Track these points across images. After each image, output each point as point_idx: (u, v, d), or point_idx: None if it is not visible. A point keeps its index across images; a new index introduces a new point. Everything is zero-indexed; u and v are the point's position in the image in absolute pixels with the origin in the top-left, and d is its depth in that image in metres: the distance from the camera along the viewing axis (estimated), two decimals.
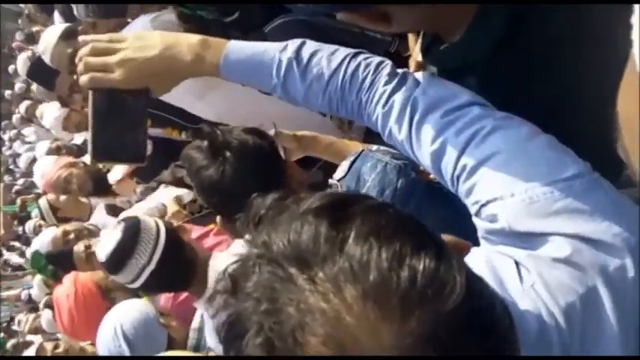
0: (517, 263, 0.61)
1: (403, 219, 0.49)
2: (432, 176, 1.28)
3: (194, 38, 0.86)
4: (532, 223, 0.62)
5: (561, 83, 0.76)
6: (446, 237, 0.52)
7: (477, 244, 0.68)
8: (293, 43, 0.84)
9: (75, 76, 2.41)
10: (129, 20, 2.03)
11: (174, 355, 1.39)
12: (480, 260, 0.62)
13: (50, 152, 4.30)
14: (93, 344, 2.20)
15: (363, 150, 1.21)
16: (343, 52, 0.83)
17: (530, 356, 0.55)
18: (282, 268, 0.45)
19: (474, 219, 0.69)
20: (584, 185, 0.63)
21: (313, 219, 0.47)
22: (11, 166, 10.66)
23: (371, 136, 1.74)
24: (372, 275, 0.43)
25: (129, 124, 0.89)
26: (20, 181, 9.27)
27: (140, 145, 0.90)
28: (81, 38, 0.90)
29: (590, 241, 0.59)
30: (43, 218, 3.42)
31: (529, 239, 0.62)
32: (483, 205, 0.67)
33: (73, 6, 1.79)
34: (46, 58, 2.31)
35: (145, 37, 0.89)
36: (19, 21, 7.78)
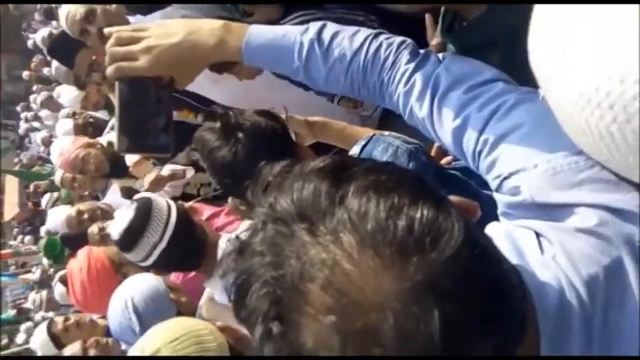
0: (538, 234, 0.59)
1: (403, 174, 0.50)
2: (443, 161, 1.30)
3: (216, 23, 0.86)
4: (556, 195, 0.60)
5: None
6: (453, 197, 0.52)
7: None
8: (314, 25, 0.84)
9: (94, 56, 2.43)
10: None
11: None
12: (499, 233, 0.60)
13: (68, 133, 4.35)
14: (104, 317, 2.25)
15: (374, 134, 1.23)
16: (364, 32, 0.82)
17: (536, 357, 0.53)
18: (286, 224, 0.46)
19: (495, 194, 0.68)
20: None
21: (315, 178, 0.48)
22: (27, 144, 10.80)
23: (384, 124, 1.75)
24: (369, 224, 0.43)
25: (154, 115, 0.87)
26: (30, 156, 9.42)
27: (166, 134, 0.88)
28: (106, 30, 0.90)
29: (615, 210, 0.57)
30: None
31: (552, 211, 0.60)
32: (505, 179, 0.65)
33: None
34: (68, 27, 2.22)
35: (168, 24, 0.89)
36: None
